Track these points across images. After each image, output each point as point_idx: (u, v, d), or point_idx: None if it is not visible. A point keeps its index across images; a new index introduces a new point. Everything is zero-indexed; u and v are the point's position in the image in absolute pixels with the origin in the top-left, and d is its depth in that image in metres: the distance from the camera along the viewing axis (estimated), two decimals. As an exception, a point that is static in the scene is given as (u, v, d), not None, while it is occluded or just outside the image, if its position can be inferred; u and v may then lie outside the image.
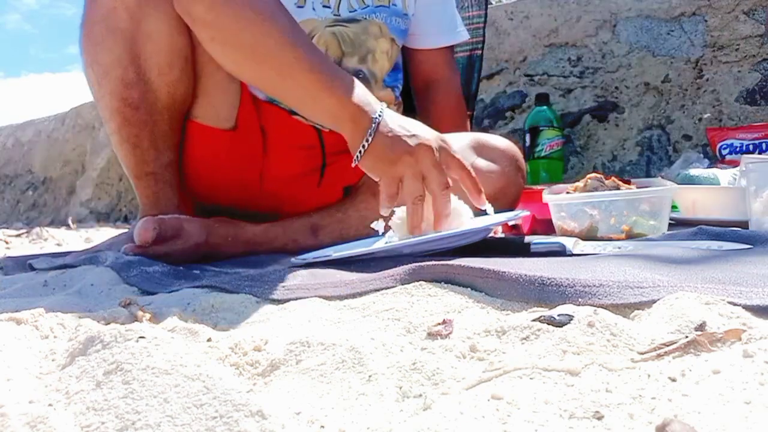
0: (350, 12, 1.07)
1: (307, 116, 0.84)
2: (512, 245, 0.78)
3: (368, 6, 1.09)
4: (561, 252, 0.71)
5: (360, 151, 0.77)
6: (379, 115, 0.77)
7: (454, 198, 0.76)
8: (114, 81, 0.91)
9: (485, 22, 1.45)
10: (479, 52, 1.45)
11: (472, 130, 1.52)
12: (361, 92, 0.80)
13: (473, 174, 0.77)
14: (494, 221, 0.76)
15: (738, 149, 1.55)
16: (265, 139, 1.06)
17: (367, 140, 0.76)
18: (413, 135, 0.76)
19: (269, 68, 0.83)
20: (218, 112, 1.01)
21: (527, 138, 1.82)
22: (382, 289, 0.56)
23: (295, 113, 1.06)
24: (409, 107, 1.30)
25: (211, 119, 1.01)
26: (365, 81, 1.10)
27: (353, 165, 0.79)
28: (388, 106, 1.16)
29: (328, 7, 1.05)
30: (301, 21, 1.03)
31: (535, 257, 0.70)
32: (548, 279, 0.50)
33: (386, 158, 0.76)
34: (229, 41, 0.84)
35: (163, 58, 0.92)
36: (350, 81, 0.81)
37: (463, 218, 0.76)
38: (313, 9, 1.05)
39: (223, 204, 1.07)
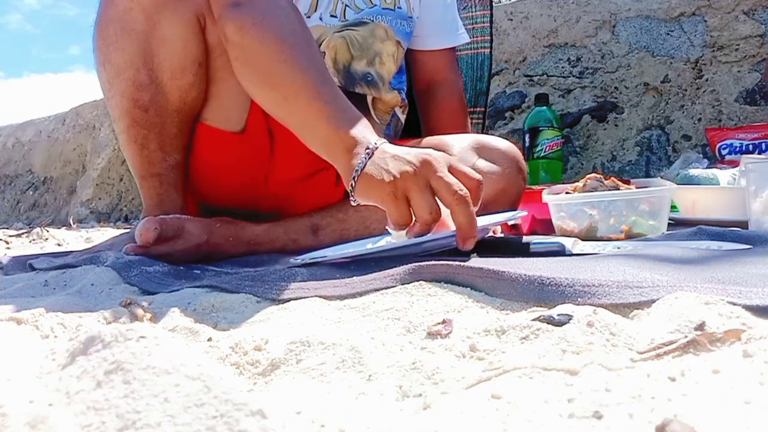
0: (356, 14, 1.08)
1: (307, 144, 0.81)
2: (512, 245, 0.78)
3: (375, 6, 1.10)
4: (560, 252, 0.71)
5: (354, 177, 0.70)
6: (376, 144, 0.72)
7: None
8: (125, 82, 0.91)
9: (491, 21, 1.46)
10: (486, 50, 1.46)
11: (484, 125, 1.53)
12: (361, 127, 0.76)
13: (480, 193, 0.69)
14: (493, 221, 0.76)
15: (738, 149, 1.55)
16: (272, 141, 1.07)
17: (360, 165, 0.70)
18: (413, 154, 0.69)
19: (278, 92, 0.83)
20: (229, 116, 1.01)
21: (527, 138, 1.82)
22: (382, 288, 0.57)
23: None
24: (414, 109, 1.31)
25: (221, 122, 1.01)
26: (373, 83, 1.11)
27: (352, 201, 0.73)
28: (394, 108, 1.18)
29: (335, 17, 1.06)
30: (309, 27, 1.04)
31: (534, 257, 0.70)
32: (547, 279, 0.50)
33: (383, 175, 0.68)
34: (248, 63, 0.86)
35: (176, 62, 0.92)
36: (353, 114, 0.77)
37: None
38: (320, 19, 1.06)
39: (228, 205, 1.07)
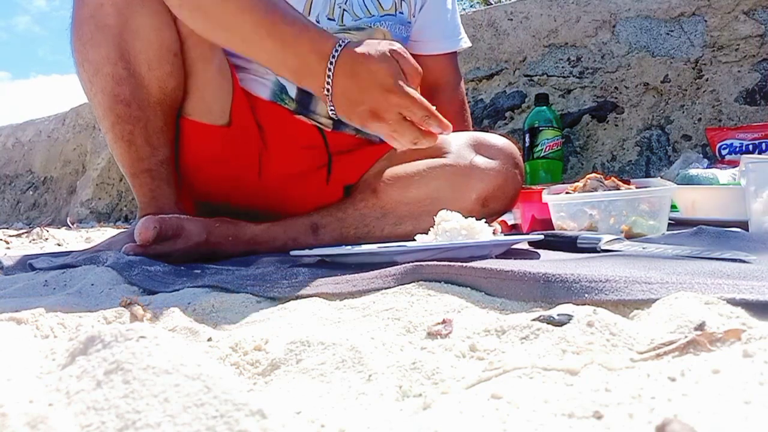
0: (354, 21, 1.08)
1: (277, 74, 0.87)
2: (563, 242, 0.80)
3: (374, 16, 1.10)
4: (595, 247, 0.73)
5: (329, 98, 0.78)
6: (335, 54, 0.78)
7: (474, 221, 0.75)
8: (105, 78, 0.92)
9: None
10: None
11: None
12: (321, 40, 0.80)
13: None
14: (507, 240, 0.74)
15: (738, 149, 1.55)
16: (263, 135, 1.07)
17: (328, 82, 0.78)
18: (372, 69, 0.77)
19: (233, 34, 0.84)
20: (210, 108, 1.01)
21: (527, 138, 1.82)
22: (382, 288, 0.57)
23: (298, 113, 1.07)
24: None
25: (204, 116, 1.01)
26: None
27: (331, 113, 0.80)
28: None
29: (333, 20, 1.06)
30: None
31: (544, 257, 0.70)
32: (552, 276, 0.49)
33: (353, 97, 0.78)
34: (195, 7, 0.86)
35: (152, 53, 0.93)
36: (311, 32, 0.81)
37: (481, 234, 0.74)
38: (317, 21, 1.05)
39: (221, 201, 1.07)
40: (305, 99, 1.07)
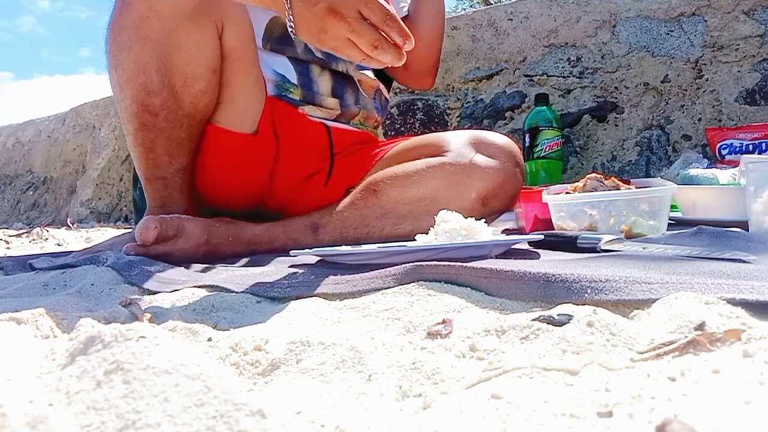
0: None
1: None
2: (564, 242, 0.80)
3: None
4: (595, 247, 0.73)
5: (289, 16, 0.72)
6: None
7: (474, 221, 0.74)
8: (137, 87, 0.91)
9: None
10: None
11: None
12: None
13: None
14: (507, 240, 0.74)
15: (738, 149, 1.55)
16: (278, 143, 1.07)
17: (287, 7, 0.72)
18: None
19: None
20: (243, 118, 1.01)
21: (527, 138, 1.82)
22: (382, 288, 0.57)
23: (304, 101, 1.07)
24: (405, 113, 1.31)
25: (235, 124, 1.01)
26: None
27: (289, 27, 0.73)
28: (378, 87, 1.19)
29: None
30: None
31: (545, 257, 0.70)
32: (553, 275, 0.49)
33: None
34: None
35: (190, 70, 0.92)
36: None
37: (481, 234, 0.73)
38: None
39: (234, 205, 1.07)
40: (307, 81, 1.07)
